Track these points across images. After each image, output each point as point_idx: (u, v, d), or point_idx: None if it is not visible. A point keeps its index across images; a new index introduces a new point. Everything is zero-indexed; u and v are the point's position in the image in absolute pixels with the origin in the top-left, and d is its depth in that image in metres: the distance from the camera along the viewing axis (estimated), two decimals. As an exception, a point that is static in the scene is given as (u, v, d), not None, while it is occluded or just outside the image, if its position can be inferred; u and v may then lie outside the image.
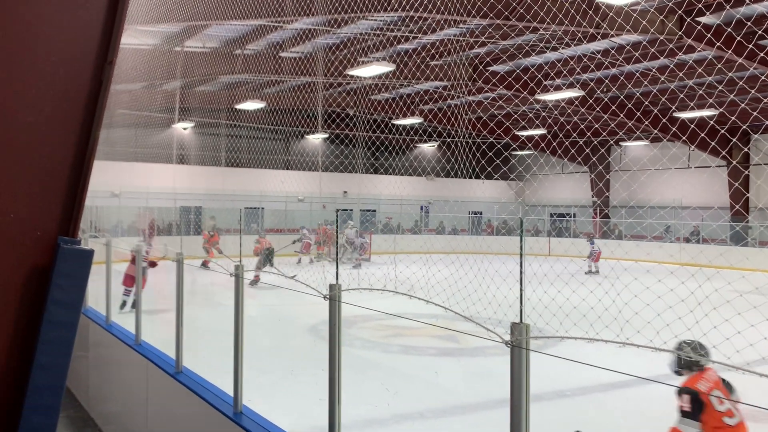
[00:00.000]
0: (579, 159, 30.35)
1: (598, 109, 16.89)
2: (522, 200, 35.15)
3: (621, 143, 30.25)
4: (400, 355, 10.01)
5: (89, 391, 7.37)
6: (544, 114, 22.73)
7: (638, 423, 6.95)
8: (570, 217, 32.25)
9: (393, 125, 27.37)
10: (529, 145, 30.05)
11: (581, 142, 25.85)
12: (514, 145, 29.66)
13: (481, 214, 34.25)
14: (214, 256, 16.47)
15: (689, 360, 4.08)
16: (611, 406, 7.50)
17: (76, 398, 7.80)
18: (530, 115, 23.57)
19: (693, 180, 28.17)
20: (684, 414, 3.99)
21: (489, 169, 32.93)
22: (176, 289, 5.25)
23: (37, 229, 2.92)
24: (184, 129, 28.06)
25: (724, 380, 4.11)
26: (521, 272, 2.25)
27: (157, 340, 6.06)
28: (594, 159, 28.50)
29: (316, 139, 31.75)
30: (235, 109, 22.47)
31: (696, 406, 3.93)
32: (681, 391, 4.00)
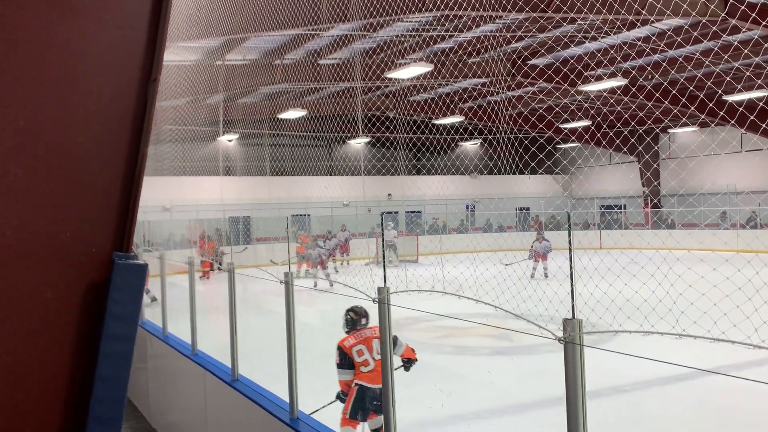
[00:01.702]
0: (625, 149, 29.71)
1: (642, 97, 16.53)
2: (569, 193, 34.59)
3: (668, 130, 29.51)
4: (453, 355, 9.95)
5: (150, 401, 7.55)
6: (587, 105, 22.34)
7: (699, 415, 6.76)
8: (620, 208, 31.60)
9: (434, 125, 27.30)
10: (573, 137, 29.58)
11: (626, 132, 25.30)
12: (558, 138, 29.23)
13: (528, 210, 33.85)
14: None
15: (351, 321, 5.36)
16: (671, 399, 7.31)
17: (137, 409, 7.99)
18: (573, 107, 23.19)
19: (746, 164, 27.27)
20: (337, 365, 5.23)
21: (533, 164, 32.54)
22: (229, 298, 5.33)
23: (92, 246, 3.00)
24: (229, 141, 28.54)
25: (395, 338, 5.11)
26: (571, 267, 2.20)
27: (212, 350, 6.17)
28: (640, 148, 27.87)
29: (358, 144, 31.90)
30: (278, 118, 22.75)
31: (343, 358, 5.17)
32: (337, 347, 5.23)
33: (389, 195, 31.72)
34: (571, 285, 2.17)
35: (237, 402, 4.86)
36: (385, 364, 3.23)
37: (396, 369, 5.18)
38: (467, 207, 33.74)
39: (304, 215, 28.34)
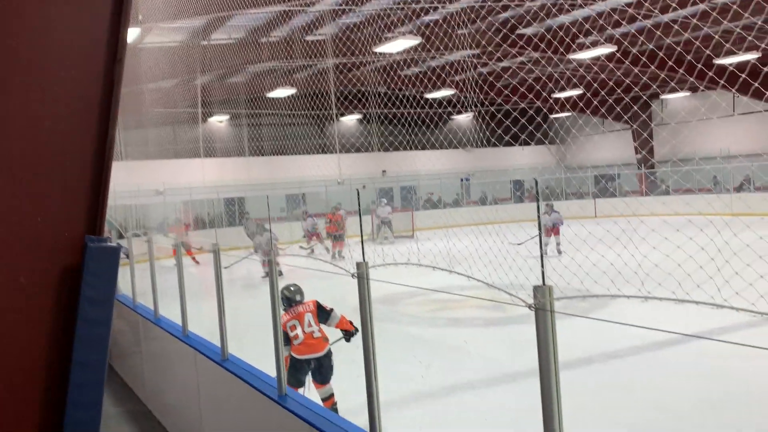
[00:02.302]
0: (611, 117, 29.59)
1: (628, 63, 16.43)
2: (558, 161, 34.53)
3: (659, 97, 29.37)
4: (447, 328, 10.01)
5: (145, 384, 7.59)
6: (578, 75, 22.19)
7: (689, 378, 6.81)
8: (613, 176, 31.58)
9: (426, 100, 27.13)
10: (568, 106, 29.44)
11: (611, 101, 25.13)
12: (545, 110, 29.08)
13: (522, 182, 33.79)
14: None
15: (285, 300, 5.79)
16: (663, 363, 7.35)
17: (134, 392, 8.03)
18: (565, 75, 23.04)
19: (738, 127, 27.21)
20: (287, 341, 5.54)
21: (523, 136, 32.42)
22: (215, 280, 5.32)
23: (64, 230, 2.98)
24: (220, 122, 28.39)
25: (321, 311, 5.78)
26: (540, 235, 2.18)
27: (203, 330, 6.18)
28: (628, 114, 27.73)
29: (349, 121, 31.73)
30: (268, 97, 22.57)
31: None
32: None
33: (383, 171, 31.65)
34: (540, 252, 2.15)
35: (227, 381, 4.87)
36: (366, 340, 3.23)
37: (337, 341, 5.83)
38: (462, 181, 33.70)
39: (299, 195, 28.30)
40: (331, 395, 5.78)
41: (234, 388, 4.77)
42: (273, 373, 4.36)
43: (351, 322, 5.89)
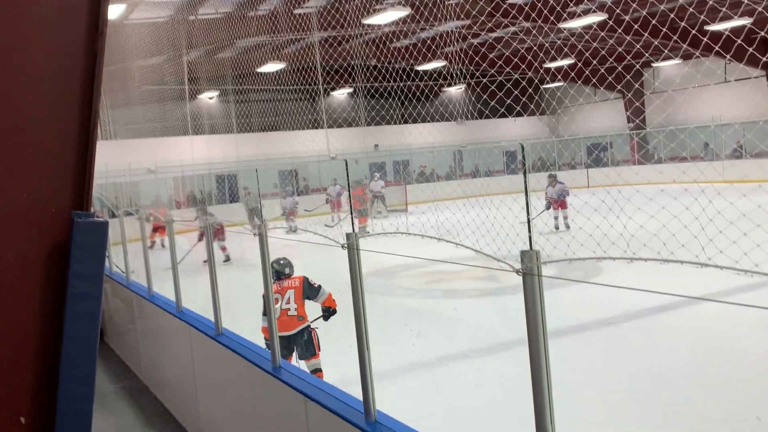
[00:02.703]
0: (603, 86, 29.48)
1: (619, 31, 16.30)
2: (550, 132, 34.46)
3: (651, 65, 29.24)
4: (442, 299, 10.07)
5: (141, 360, 7.62)
6: (569, 44, 22.03)
7: (684, 342, 6.89)
8: (607, 145, 31.55)
9: (417, 72, 26.94)
10: (559, 76, 29.29)
11: (602, 70, 25.01)
12: (537, 81, 28.94)
13: (515, 153, 33.72)
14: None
15: (275, 273, 5.77)
16: (656, 328, 7.43)
17: (130, 369, 8.08)
18: (556, 45, 22.88)
19: (731, 94, 27.15)
20: (263, 314, 5.54)
21: (517, 108, 32.31)
22: (207, 255, 5.32)
23: (51, 206, 2.96)
24: (210, 98, 28.16)
25: (308, 288, 5.76)
26: (527, 200, 2.18)
27: (198, 306, 6.20)
28: (621, 83, 27.63)
29: (340, 95, 31.52)
30: (257, 73, 22.36)
31: (264, 307, 5.34)
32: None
33: (376, 146, 31.54)
34: (527, 216, 2.15)
35: (222, 355, 4.90)
36: (358, 311, 3.24)
37: (316, 319, 5.89)
38: (454, 153, 33.63)
39: (292, 171, 28.21)
40: (317, 369, 5.74)
41: (229, 362, 4.80)
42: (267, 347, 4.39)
43: (335, 301, 5.88)
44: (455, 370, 6.54)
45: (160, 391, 6.93)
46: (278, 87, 23.40)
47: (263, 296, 5.45)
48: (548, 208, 15.49)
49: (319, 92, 25.26)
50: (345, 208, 21.76)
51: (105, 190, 13.29)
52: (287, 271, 5.95)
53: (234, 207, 23.91)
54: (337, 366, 5.86)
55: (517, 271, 2.14)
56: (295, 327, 5.73)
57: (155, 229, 15.36)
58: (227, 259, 13.73)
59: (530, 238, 2.16)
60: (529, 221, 2.15)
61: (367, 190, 23.87)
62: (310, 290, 5.82)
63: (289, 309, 5.70)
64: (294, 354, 5.76)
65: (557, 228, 15.27)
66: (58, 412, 2.78)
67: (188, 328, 5.67)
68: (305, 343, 5.76)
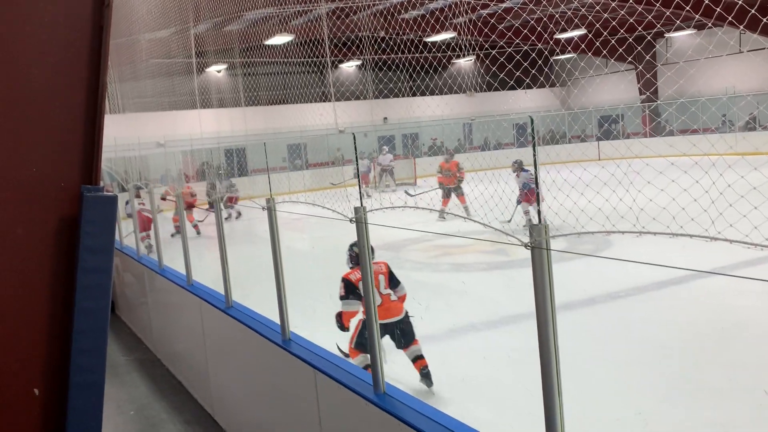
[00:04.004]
0: (614, 57, 29.11)
1: (631, 0, 16.04)
2: (561, 104, 34.15)
3: (664, 35, 28.81)
4: (450, 273, 10.09)
5: (153, 333, 7.71)
6: (580, 14, 21.70)
7: (693, 315, 6.89)
8: (618, 118, 31.26)
9: (426, 44, 26.67)
10: (570, 47, 28.94)
11: (614, 41, 24.65)
12: (547, 52, 28.59)
13: (525, 125, 33.46)
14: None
15: (356, 257, 5.36)
16: (665, 301, 7.43)
17: (142, 342, 8.18)
18: (566, 15, 22.55)
19: (745, 65, 26.76)
20: (341, 297, 5.32)
21: (528, 80, 31.97)
22: (217, 228, 5.34)
23: (60, 180, 2.97)
24: (218, 72, 28.04)
25: (392, 277, 5.45)
26: (536, 175, 2.17)
27: (207, 280, 6.25)
28: (632, 55, 27.29)
29: (349, 68, 31.29)
30: (266, 45, 22.19)
31: (348, 290, 5.27)
32: (342, 280, 5.31)
33: (385, 119, 31.39)
34: (537, 192, 2.14)
35: (232, 327, 4.95)
36: (367, 286, 3.25)
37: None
38: (464, 126, 33.43)
39: (300, 144, 28.16)
40: (421, 356, 5.48)
41: (239, 335, 4.85)
42: (277, 320, 4.42)
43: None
44: (463, 343, 6.58)
45: (171, 363, 7.02)
46: (286, 60, 23.25)
47: (346, 279, 5.29)
48: (518, 203, 13.06)
49: (327, 65, 25.11)
50: (372, 184, 21.82)
51: (114, 164, 13.32)
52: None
53: (243, 180, 23.95)
54: (343, 336, 5.89)
55: (526, 245, 2.14)
56: (400, 312, 5.44)
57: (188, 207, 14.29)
58: (198, 233, 13.71)
59: (539, 211, 2.16)
60: (538, 195, 2.13)
61: (375, 163, 23.85)
62: (393, 279, 5.51)
63: (389, 294, 5.41)
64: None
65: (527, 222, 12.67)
66: (71, 383, 2.82)
67: (199, 302, 5.73)
68: (403, 329, 5.45)
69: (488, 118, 32.85)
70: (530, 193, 12.90)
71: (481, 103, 33.08)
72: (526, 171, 13.19)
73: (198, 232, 13.77)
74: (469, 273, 9.87)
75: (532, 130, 2.07)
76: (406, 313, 5.48)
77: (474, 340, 6.63)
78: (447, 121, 31.76)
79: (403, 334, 5.43)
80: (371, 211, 3.09)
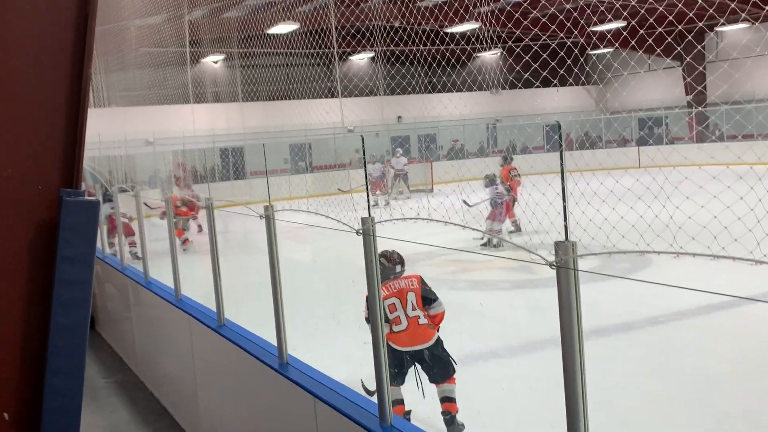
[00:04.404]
0: (658, 52, 29.05)
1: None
2: (603, 105, 34.10)
3: (714, 29, 28.73)
4: (469, 291, 10.09)
5: (136, 353, 7.76)
6: (620, 3, 21.68)
7: (735, 343, 6.85)
8: (662, 120, 31.16)
9: (446, 34, 26.74)
10: (609, 39, 28.90)
11: (658, 33, 24.59)
12: (583, 45, 28.58)
13: (559, 127, 33.41)
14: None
15: (384, 270, 5.07)
16: (709, 329, 7.39)
17: (124, 362, 8.22)
18: (605, 3, 22.55)
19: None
20: (367, 320, 4.74)
21: (561, 72, 31.93)
22: (210, 238, 5.38)
23: (38, 182, 3.01)
24: (215, 63, 28.23)
25: (426, 294, 5.11)
26: (563, 185, 2.18)
27: (198, 294, 6.29)
28: (678, 50, 27.21)
29: (360, 60, 31.42)
30: (268, 34, 22.35)
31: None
32: (366, 300, 4.68)
33: (399, 117, 31.47)
34: (564, 205, 2.15)
35: (224, 348, 4.97)
36: (373, 305, 3.26)
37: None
38: (488, 127, 33.44)
39: (304, 144, 28.27)
40: (451, 399, 5.13)
41: (231, 357, 4.87)
42: (274, 340, 4.44)
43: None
44: (481, 371, 6.57)
45: (156, 387, 7.06)
46: (290, 51, 23.40)
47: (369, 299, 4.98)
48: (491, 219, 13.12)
49: (334, 57, 25.22)
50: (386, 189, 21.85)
51: (97, 164, 13.46)
52: (399, 269, 5.25)
53: (239, 184, 24.05)
54: (352, 363, 5.91)
55: (551, 264, 2.15)
56: (430, 338, 5.12)
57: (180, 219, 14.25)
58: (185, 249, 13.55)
59: (566, 226, 2.17)
60: (565, 208, 2.15)
61: (388, 167, 23.89)
62: (427, 295, 5.19)
63: (418, 316, 5.07)
64: (411, 377, 5.15)
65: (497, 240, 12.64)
66: (45, 407, 2.85)
67: (188, 319, 5.76)
68: (438, 359, 5.12)
69: (515, 119, 32.86)
70: (495, 209, 13.09)
71: (506, 101, 33.08)
72: (495, 186, 13.41)
73: (185, 249, 13.72)
74: (490, 292, 9.87)
75: (560, 137, 2.08)
76: (438, 338, 5.16)
77: (493, 367, 6.63)
78: (468, 122, 31.78)
79: (437, 364, 5.12)
80: (380, 222, 3.11)
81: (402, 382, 5.15)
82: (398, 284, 5.15)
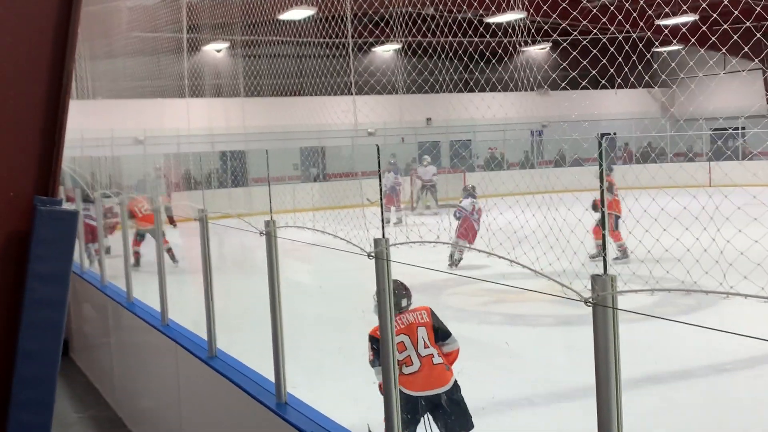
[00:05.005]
0: (735, 53, 28.89)
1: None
2: (664, 110, 33.96)
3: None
4: (504, 326, 10.10)
5: (114, 384, 7.87)
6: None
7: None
8: (737, 131, 30.95)
9: (487, 25, 26.84)
10: (684, 34, 28.78)
11: (734, 33, 24.50)
12: (650, 40, 28.46)
13: (614, 135, 33.37)
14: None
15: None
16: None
17: (100, 394, 8.34)
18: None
19: None
20: (370, 362, 4.99)
21: (625, 70, 31.87)
22: (202, 257, 5.48)
23: (9, 188, 3.11)
24: (218, 51, 28.53)
25: (436, 326, 5.09)
26: (603, 210, 2.24)
27: (187, 319, 6.38)
28: (760, 52, 27.06)
29: (384, 53, 31.61)
30: (279, 20, 22.55)
31: (376, 354, 4.85)
32: (369, 339, 4.98)
33: (428, 119, 31.55)
34: (603, 232, 2.21)
35: (214, 383, 5.06)
36: (385, 336, 3.33)
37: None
38: (533, 133, 33.41)
39: (317, 148, 28.41)
40: None
41: (222, 393, 4.95)
42: (272, 376, 4.51)
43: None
44: (514, 420, 6.60)
45: (136, 424, 7.15)
46: (304, 40, 23.59)
47: (373, 338, 4.91)
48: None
49: (358, 47, 25.35)
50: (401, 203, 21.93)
51: (79, 165, 13.65)
52: (404, 303, 5.21)
53: (237, 192, 24.20)
54: (356, 402, 5.96)
55: (587, 301, 2.20)
56: (447, 381, 5.09)
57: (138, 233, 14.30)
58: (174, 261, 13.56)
59: (605, 258, 2.22)
60: (604, 237, 2.20)
61: (414, 178, 23.95)
62: (440, 328, 5.16)
63: (432, 355, 5.04)
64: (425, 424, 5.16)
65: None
66: (8, 444, 2.93)
67: (174, 347, 5.85)
68: (456, 405, 5.08)
69: (567, 126, 32.81)
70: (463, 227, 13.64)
71: (556, 104, 33.04)
72: (473, 197, 14.51)
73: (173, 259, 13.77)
74: (529, 328, 9.87)
75: (600, 154, 2.14)
76: (455, 381, 5.13)
77: (524, 417, 6.65)
78: (510, 126, 31.77)
79: (456, 412, 5.06)
80: (395, 245, 3.18)
81: (414, 426, 5.14)
82: (406, 319, 5.12)
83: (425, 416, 5.17)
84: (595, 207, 13.44)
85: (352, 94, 28.39)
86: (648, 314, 2.68)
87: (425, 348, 5.03)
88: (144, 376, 6.96)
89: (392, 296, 3.33)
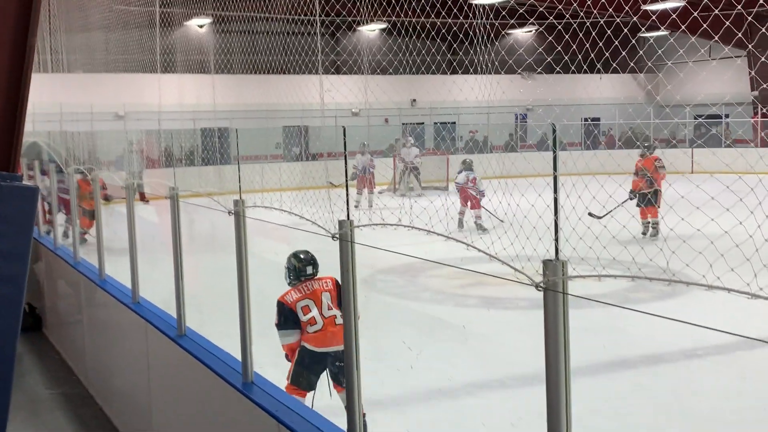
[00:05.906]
0: (719, 38, 28.98)
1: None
2: (648, 96, 34.05)
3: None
4: (480, 309, 10.14)
5: (86, 361, 7.87)
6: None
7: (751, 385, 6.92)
8: (722, 118, 31.10)
9: (472, 6, 26.78)
10: (668, 21, 28.83)
11: (728, 18, 24.57)
12: (636, 25, 28.51)
13: (598, 120, 33.48)
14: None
15: (294, 270, 5.70)
16: (755, 366, 7.44)
17: (72, 371, 8.34)
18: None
19: None
20: (277, 326, 5.55)
21: (602, 62, 31.91)
22: (173, 235, 5.47)
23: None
24: (200, 27, 28.32)
25: (339, 294, 5.11)
26: (555, 195, 2.26)
27: (159, 297, 6.38)
28: (745, 37, 27.16)
29: (370, 32, 31.48)
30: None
31: (283, 317, 5.51)
32: (277, 304, 5.54)
33: (413, 101, 31.50)
34: (555, 217, 2.23)
35: (183, 361, 5.07)
36: (348, 320, 3.35)
37: None
38: (517, 117, 33.43)
39: (300, 127, 28.33)
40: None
41: (191, 371, 4.97)
42: (239, 355, 4.53)
43: None
44: (486, 402, 6.66)
45: (106, 401, 7.17)
46: (288, 16, 23.47)
47: (281, 303, 5.53)
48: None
49: (348, 25, 25.20)
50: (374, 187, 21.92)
51: (54, 140, 13.55)
52: (310, 270, 5.77)
53: (225, 169, 24.06)
54: (322, 382, 5.98)
55: (537, 286, 2.23)
56: None
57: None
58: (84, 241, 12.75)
59: (556, 240, 2.24)
60: (556, 222, 2.22)
61: (397, 159, 23.91)
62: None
63: (335, 316, 5.52)
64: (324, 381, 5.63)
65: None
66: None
67: (145, 325, 5.87)
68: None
69: (551, 109, 32.85)
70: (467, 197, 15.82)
71: (540, 87, 33.07)
72: (470, 170, 16.21)
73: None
74: (505, 311, 9.92)
75: (554, 140, 2.16)
76: None
77: (501, 400, 6.73)
78: (495, 109, 31.75)
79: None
80: (359, 227, 3.19)
81: (313, 387, 5.60)
82: (311, 286, 5.66)
83: (326, 371, 5.61)
84: (632, 192, 13.99)
85: (339, 73, 28.29)
86: (598, 300, 2.71)
87: (329, 309, 5.55)
88: (115, 353, 6.97)
89: (355, 278, 3.35)
